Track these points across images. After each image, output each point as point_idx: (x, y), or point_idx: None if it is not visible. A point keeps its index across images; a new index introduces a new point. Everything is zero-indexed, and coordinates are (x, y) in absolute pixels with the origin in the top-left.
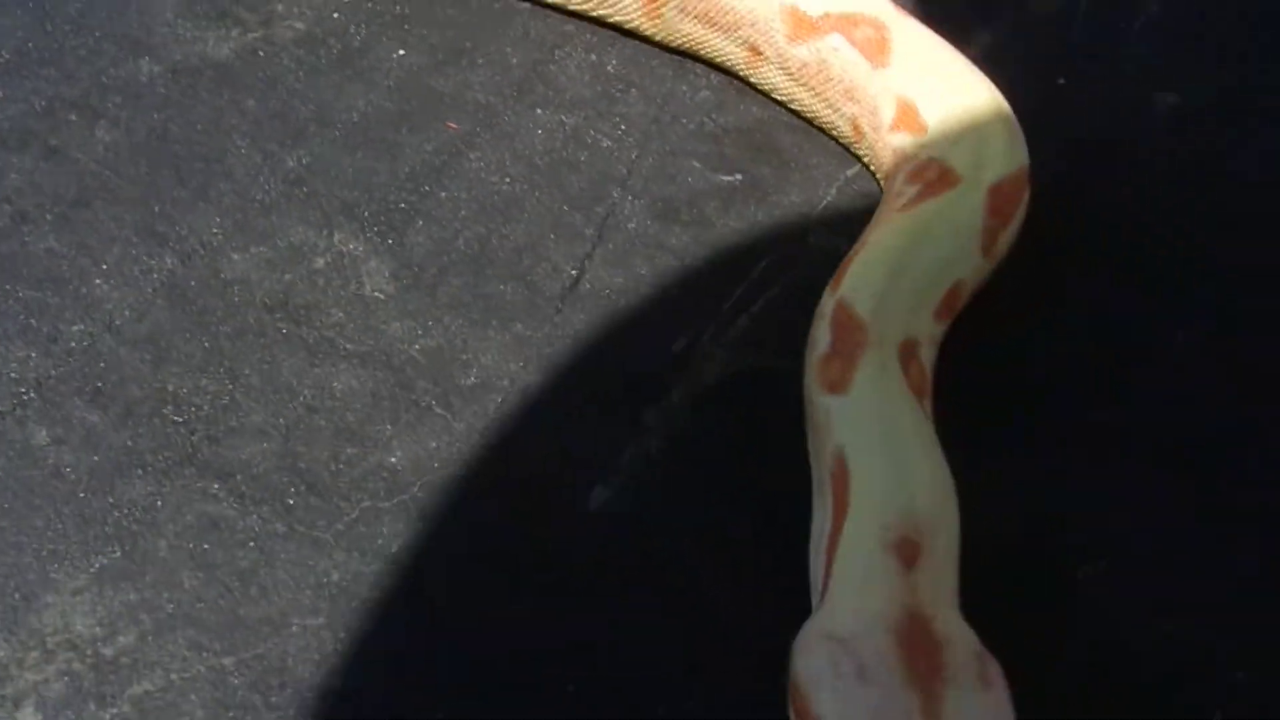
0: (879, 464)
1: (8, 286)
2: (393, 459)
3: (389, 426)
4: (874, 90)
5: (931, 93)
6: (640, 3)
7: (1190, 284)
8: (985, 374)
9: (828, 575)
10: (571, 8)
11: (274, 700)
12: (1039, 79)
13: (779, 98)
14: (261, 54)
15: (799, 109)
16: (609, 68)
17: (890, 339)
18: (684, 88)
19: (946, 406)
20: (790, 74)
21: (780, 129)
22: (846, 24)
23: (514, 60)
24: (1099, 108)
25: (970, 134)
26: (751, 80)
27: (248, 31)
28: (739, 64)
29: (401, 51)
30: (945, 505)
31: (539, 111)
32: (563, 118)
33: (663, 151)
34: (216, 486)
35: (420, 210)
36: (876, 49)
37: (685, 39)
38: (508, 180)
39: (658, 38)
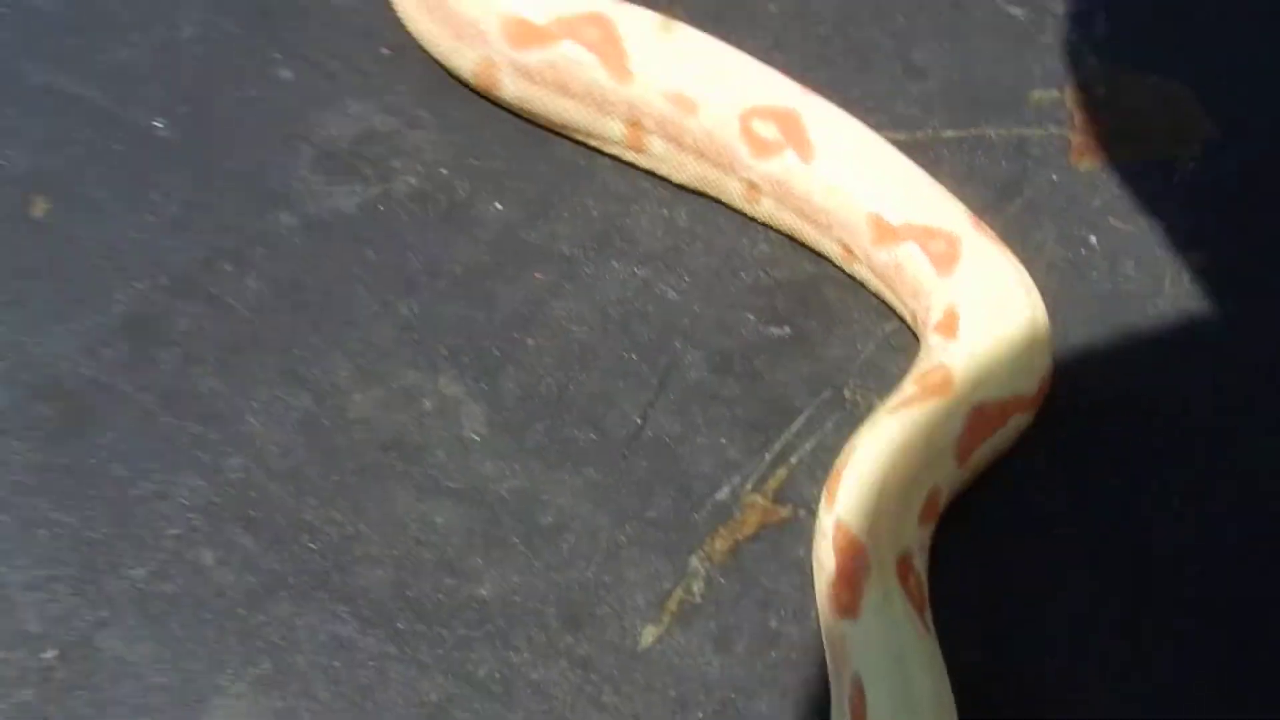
0: (889, 691)
1: (180, 421)
2: (482, 590)
3: (480, 560)
4: (934, 294)
5: (977, 308)
6: (742, 190)
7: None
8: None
9: None
10: (676, 180)
11: None
12: (1070, 236)
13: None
14: (381, 208)
15: (870, 289)
16: (679, 222)
17: (888, 558)
18: (745, 241)
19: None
20: (872, 269)
21: (829, 284)
22: (924, 235)
23: (595, 213)
24: (1128, 265)
25: (987, 353)
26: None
27: (369, 186)
28: (834, 257)
29: (499, 205)
30: None
31: (615, 263)
32: (635, 269)
33: (722, 304)
34: (344, 609)
35: (511, 357)
36: (946, 260)
37: (784, 227)
38: (585, 329)
39: (760, 220)
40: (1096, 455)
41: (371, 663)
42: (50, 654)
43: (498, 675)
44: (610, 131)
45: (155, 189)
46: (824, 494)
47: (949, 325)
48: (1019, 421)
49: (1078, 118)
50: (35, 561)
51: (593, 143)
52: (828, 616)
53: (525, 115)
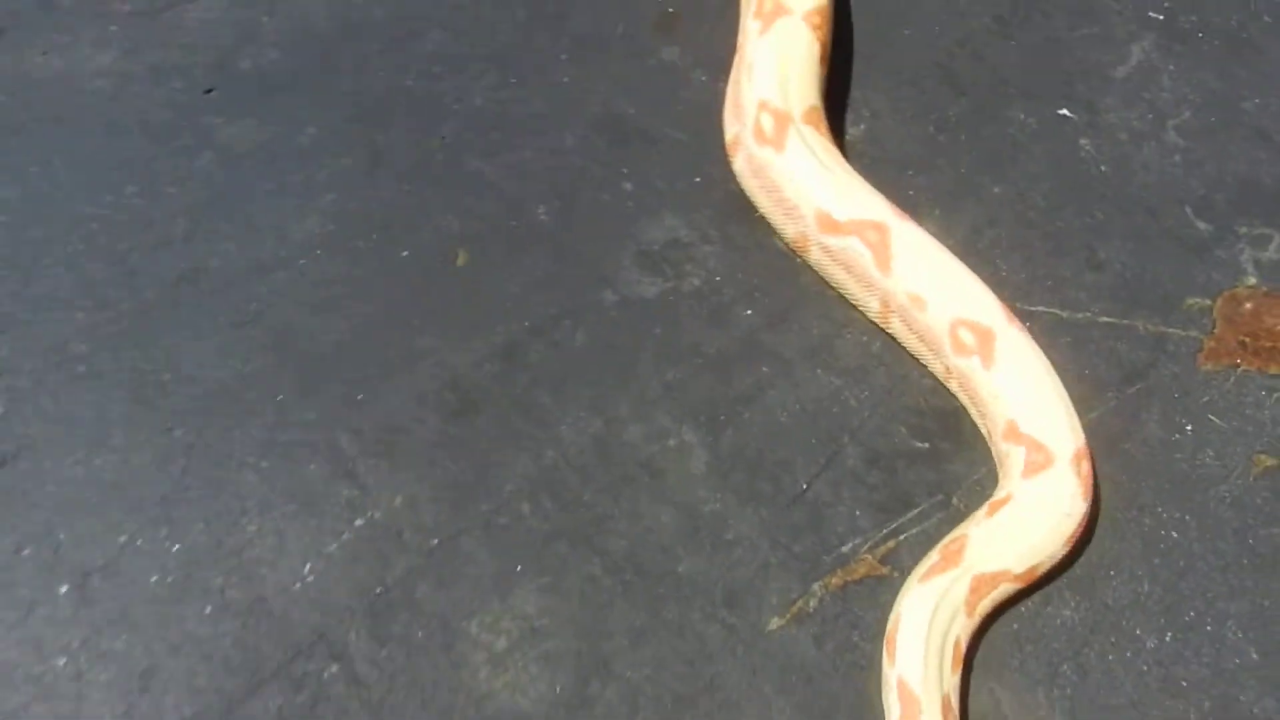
0: None
1: (523, 422)
2: (679, 569)
3: (681, 550)
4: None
5: (1027, 506)
6: (941, 370)
7: None
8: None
9: None
10: (846, 294)
11: None
12: (1171, 422)
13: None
14: (670, 299)
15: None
16: (873, 349)
17: (935, 704)
18: (915, 373)
19: None
20: (962, 387)
21: (969, 421)
22: (1032, 446)
23: (814, 331)
24: (1208, 454)
25: (1004, 536)
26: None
27: (666, 281)
28: (939, 374)
29: (749, 311)
30: None
31: (819, 371)
32: (833, 379)
33: (886, 417)
34: (595, 558)
35: (733, 422)
36: (1035, 467)
37: (910, 346)
38: (786, 414)
39: (897, 339)
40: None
41: (603, 595)
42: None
43: (678, 621)
44: (870, 305)
45: (531, 258)
46: (884, 652)
47: (998, 505)
48: (1007, 589)
49: (1219, 326)
50: (435, 493)
51: (858, 308)
52: None
53: (820, 275)
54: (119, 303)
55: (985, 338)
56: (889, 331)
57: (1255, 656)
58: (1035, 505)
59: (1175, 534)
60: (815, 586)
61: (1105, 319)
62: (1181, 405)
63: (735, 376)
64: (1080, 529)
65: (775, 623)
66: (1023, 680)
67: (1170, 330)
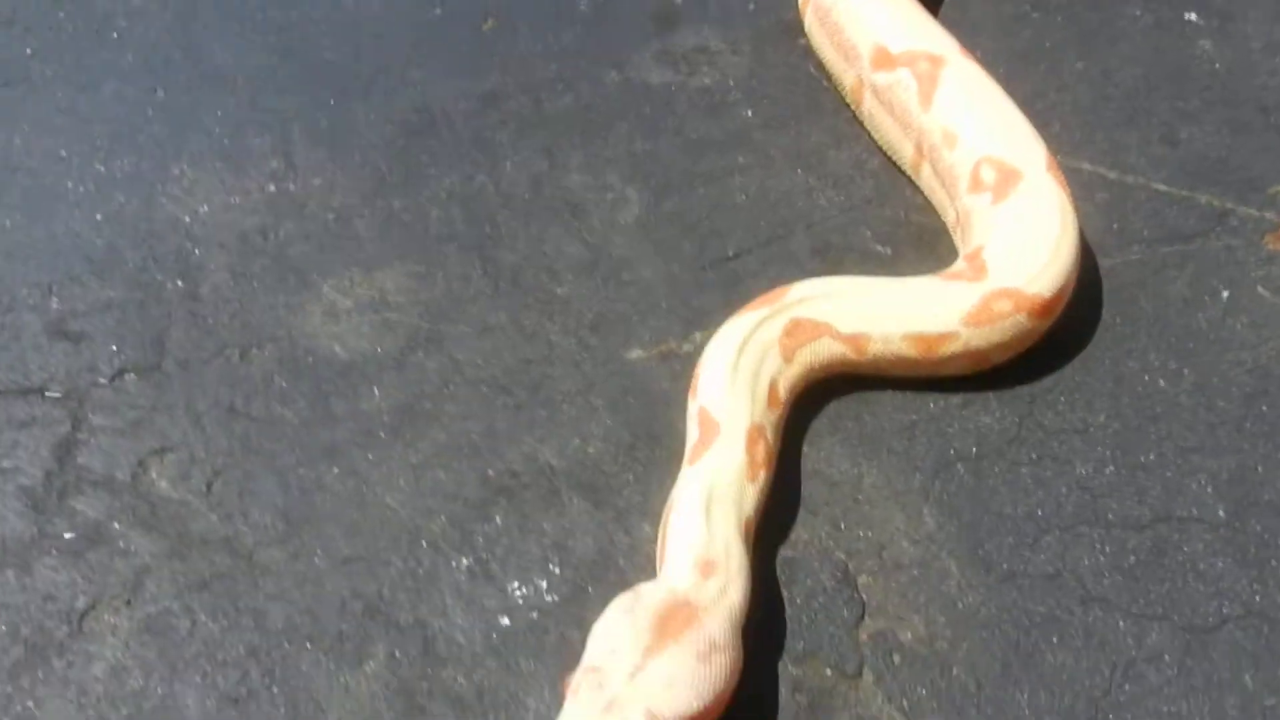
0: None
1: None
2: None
3: None
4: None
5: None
6: (910, 159)
7: None
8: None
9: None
10: (884, 145)
11: None
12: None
13: None
14: (674, 89)
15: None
16: (869, 166)
17: (739, 430)
18: (909, 193)
19: None
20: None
21: (946, 239)
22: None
23: (811, 139)
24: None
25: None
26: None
27: (676, 74)
28: (949, 223)
29: (750, 112)
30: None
31: (799, 171)
32: (810, 179)
33: (856, 219)
34: None
35: (685, 191)
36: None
37: (931, 194)
38: (744, 197)
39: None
40: None
41: (469, 291)
42: None
43: (533, 328)
44: (904, 153)
45: (553, 35)
46: (688, 393)
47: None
48: (832, 349)
49: None
50: (353, 182)
51: (895, 160)
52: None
53: (870, 131)
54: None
55: (1008, 178)
56: (916, 181)
57: (1221, 514)
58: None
59: (1162, 382)
60: (698, 335)
61: (1161, 186)
62: (1226, 273)
63: (707, 157)
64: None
65: (637, 354)
66: (900, 464)
67: (1241, 208)
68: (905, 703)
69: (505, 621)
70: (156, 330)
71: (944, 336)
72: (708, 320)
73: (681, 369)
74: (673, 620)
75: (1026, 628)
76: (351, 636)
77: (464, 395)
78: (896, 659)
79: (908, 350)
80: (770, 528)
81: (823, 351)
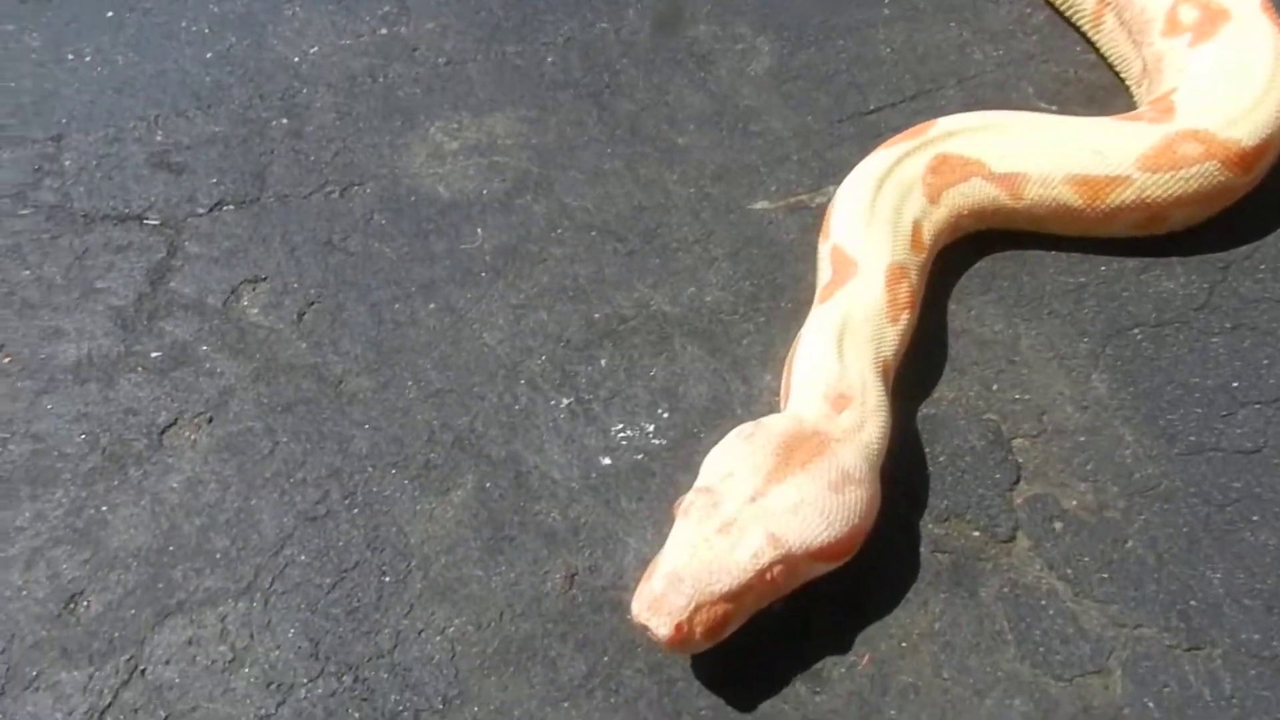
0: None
1: None
2: None
3: None
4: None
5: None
6: (1091, 11)
7: None
8: None
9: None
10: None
11: None
12: None
13: None
14: None
15: None
16: (1033, 20)
17: (879, 268)
18: (1079, 49)
19: None
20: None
21: (1124, 96)
22: None
23: None
24: None
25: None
26: None
27: None
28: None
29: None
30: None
31: (952, 25)
32: (964, 32)
33: (1015, 74)
34: None
35: (822, 42)
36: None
37: (1110, 45)
38: (889, 50)
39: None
40: None
41: (583, 138)
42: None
43: (650, 176)
44: (1084, 5)
45: None
46: (819, 236)
47: None
48: (984, 190)
49: None
50: (468, 28)
51: (1068, 12)
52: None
53: None
54: None
55: (1213, 18)
56: (1092, 37)
57: None
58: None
59: None
60: (831, 188)
61: None
62: None
63: (846, 10)
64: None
65: (763, 205)
66: (1064, 327)
67: None
68: (1069, 571)
69: (606, 461)
70: (258, 165)
71: (1114, 181)
72: (842, 173)
73: (812, 221)
74: (800, 449)
75: (1220, 504)
76: (439, 466)
77: (572, 239)
78: (1058, 526)
79: (1070, 196)
80: (909, 383)
81: (972, 194)
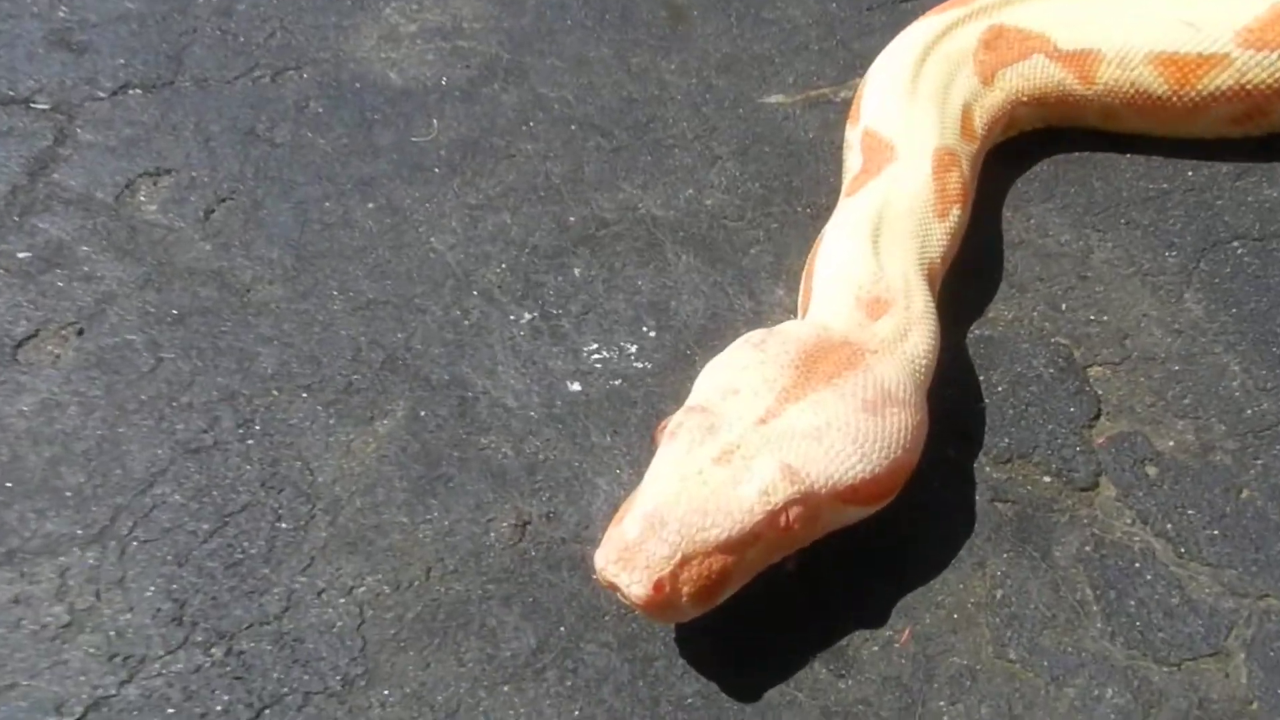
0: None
1: None
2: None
3: None
4: None
5: None
6: None
7: None
8: None
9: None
10: None
11: None
12: None
13: None
14: None
15: None
16: None
17: (924, 151)
18: None
19: None
20: None
21: None
22: None
23: None
24: None
25: None
26: None
27: None
28: None
29: None
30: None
31: None
32: None
33: None
34: None
35: None
36: None
37: None
38: None
39: None
40: None
41: (567, 23)
42: None
43: (643, 65)
44: None
45: None
46: (846, 126)
47: None
48: (1046, 68)
49: None
50: None
51: None
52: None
53: None
54: None
55: None
56: None
57: None
58: None
59: None
60: (858, 81)
61: None
62: None
63: None
64: None
65: (777, 99)
66: (1147, 239)
67: None
68: (1169, 526)
69: (575, 387)
70: (175, 46)
71: (1207, 61)
72: (870, 63)
73: (835, 118)
74: (826, 360)
75: None
76: (363, 389)
77: (546, 134)
78: (1151, 471)
79: (1153, 80)
80: (957, 300)
81: (1033, 75)
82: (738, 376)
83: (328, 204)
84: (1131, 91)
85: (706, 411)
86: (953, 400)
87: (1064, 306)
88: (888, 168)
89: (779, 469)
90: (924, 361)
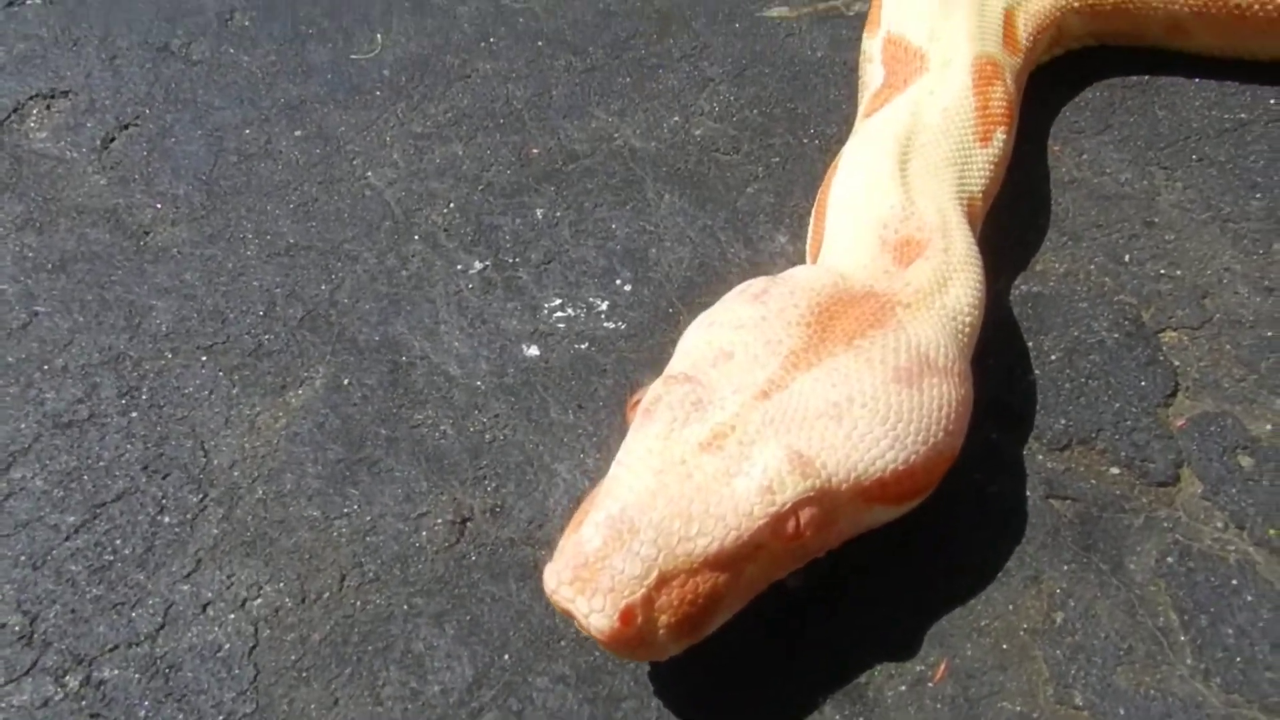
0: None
1: None
2: None
3: None
4: None
5: None
6: None
7: None
8: None
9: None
10: None
11: None
12: None
13: None
14: None
15: None
16: None
17: (960, 59)
18: None
19: None
20: None
21: None
22: None
23: None
24: None
25: None
26: None
27: None
28: None
29: None
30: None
31: None
32: None
33: None
34: None
35: None
36: None
37: None
38: None
39: None
40: None
41: None
42: None
43: None
44: None
45: None
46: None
47: None
48: None
49: None
50: None
51: None
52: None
53: None
54: None
55: None
56: None
57: None
58: None
59: None
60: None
61: None
62: None
63: None
64: None
65: (779, 10)
66: (1224, 180)
67: None
68: (1272, 532)
69: (532, 352)
70: None
71: None
72: None
73: (848, 35)
74: (846, 316)
75: None
76: (275, 352)
77: (508, 51)
78: (1245, 462)
79: None
80: (998, 249)
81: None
82: (732, 336)
83: (248, 131)
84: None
85: (692, 381)
86: (995, 372)
87: (1127, 258)
88: (917, 80)
89: (786, 458)
90: (969, 318)
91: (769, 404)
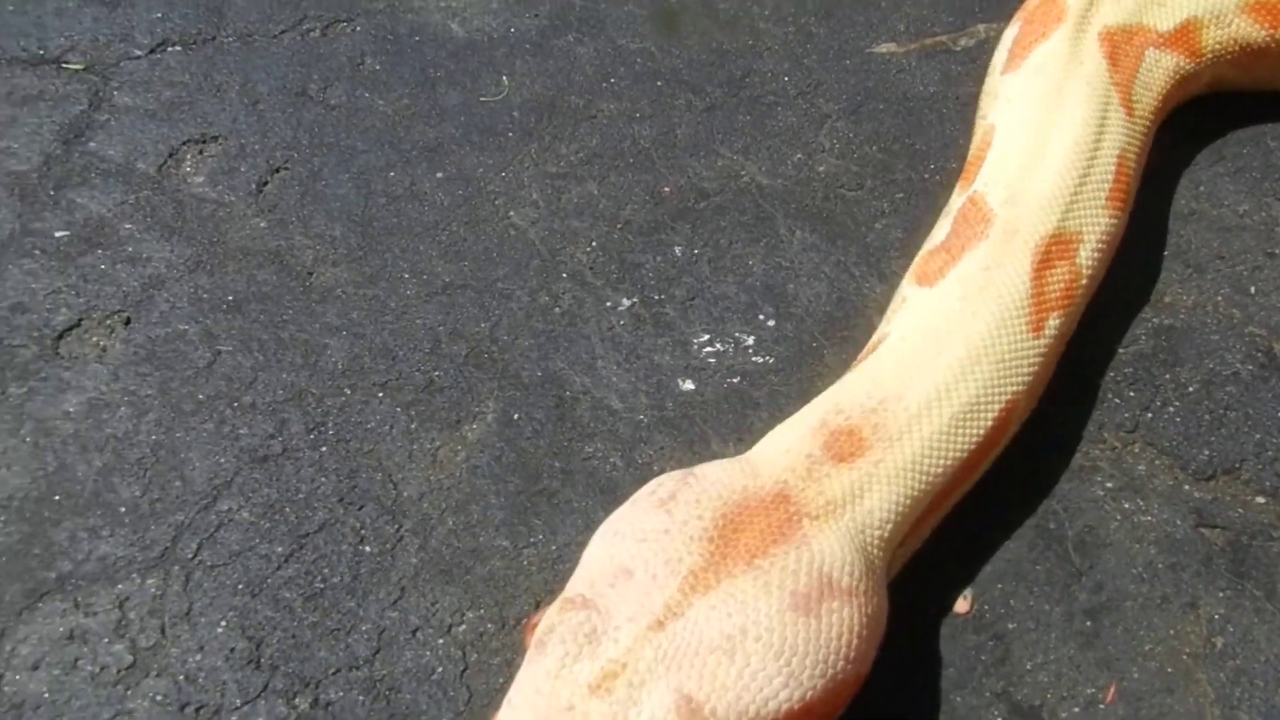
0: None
1: None
2: None
3: None
4: None
5: None
6: None
7: None
8: None
9: None
10: None
11: None
12: None
13: None
14: None
15: None
16: None
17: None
18: None
19: None
20: None
21: None
22: None
23: None
24: None
25: None
26: None
27: None
28: None
29: None
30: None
31: None
32: None
33: None
34: None
35: None
36: None
37: None
38: None
39: None
40: None
41: None
42: None
43: None
44: None
45: None
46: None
47: None
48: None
49: None
50: None
51: None
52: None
53: None
54: None
55: None
56: None
57: None
58: None
59: None
60: (981, 28)
61: None
62: None
63: None
64: None
65: (888, 48)
66: None
67: None
68: None
69: (688, 386)
70: None
71: None
72: (993, 8)
73: (957, 71)
74: (750, 527)
75: None
76: (446, 388)
77: (629, 91)
78: None
79: (1249, 29)
80: (1122, 283)
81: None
82: (634, 550)
83: (392, 174)
84: (1236, 49)
85: (589, 607)
86: (1137, 404)
87: (1253, 290)
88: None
89: (674, 704)
90: (879, 532)
91: (663, 636)
